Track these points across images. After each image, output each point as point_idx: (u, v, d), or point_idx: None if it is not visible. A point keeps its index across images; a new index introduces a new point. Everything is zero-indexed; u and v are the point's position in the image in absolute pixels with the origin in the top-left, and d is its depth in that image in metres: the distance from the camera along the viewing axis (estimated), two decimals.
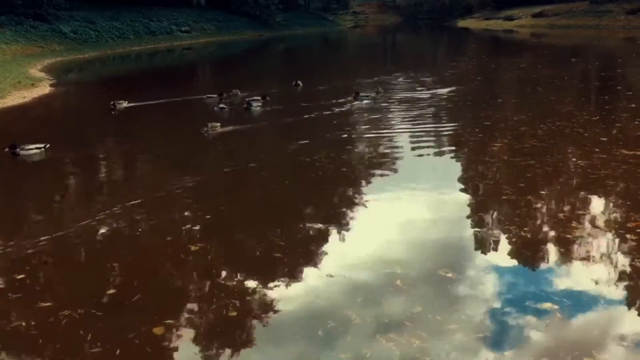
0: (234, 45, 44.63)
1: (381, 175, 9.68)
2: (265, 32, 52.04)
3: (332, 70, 28.62)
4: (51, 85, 20.51)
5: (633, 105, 15.21)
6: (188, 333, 5.10)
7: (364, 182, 9.47)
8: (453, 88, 19.14)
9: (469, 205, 8.13)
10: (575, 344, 4.75)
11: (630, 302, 5.45)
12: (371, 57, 39.09)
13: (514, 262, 6.35)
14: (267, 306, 5.51)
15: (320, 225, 7.43)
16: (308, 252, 6.77)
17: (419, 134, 12.50)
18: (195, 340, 5.03)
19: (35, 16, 32.08)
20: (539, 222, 7.47)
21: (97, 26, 36.03)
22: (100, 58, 32.62)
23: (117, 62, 32.77)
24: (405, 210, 7.98)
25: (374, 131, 13.00)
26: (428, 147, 11.40)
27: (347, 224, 7.60)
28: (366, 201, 8.35)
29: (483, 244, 6.84)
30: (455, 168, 10.01)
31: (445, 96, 17.40)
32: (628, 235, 6.71)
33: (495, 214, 7.82)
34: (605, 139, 11.23)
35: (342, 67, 31.44)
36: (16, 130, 13.47)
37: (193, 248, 6.65)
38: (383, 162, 10.57)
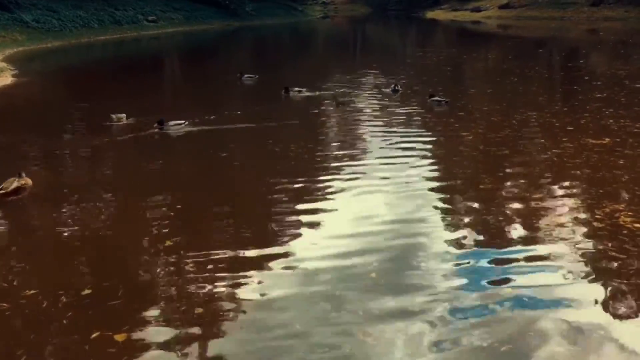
0: (202, 36, 43.96)
1: (351, 166, 9.52)
2: (234, 22, 51.39)
3: (302, 64, 28.41)
4: (13, 76, 19.87)
5: (601, 95, 15.55)
6: None
7: (333, 172, 9.28)
8: (424, 79, 19.24)
9: (441, 194, 8.14)
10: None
11: (592, 285, 5.52)
12: (340, 48, 39.03)
13: (479, 249, 6.36)
14: None
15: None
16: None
17: (390, 126, 12.49)
18: None
19: None
20: (509, 207, 7.53)
21: (60, 15, 34.93)
22: (64, 48, 31.72)
23: (82, 52, 31.94)
24: (375, 203, 7.89)
25: (341, 126, 12.95)
26: (401, 138, 11.35)
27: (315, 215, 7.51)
28: (334, 193, 8.22)
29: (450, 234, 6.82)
30: (431, 158, 10.00)
31: (416, 87, 17.46)
32: (594, 223, 6.84)
33: (468, 201, 7.86)
34: (572, 129, 11.47)
35: (310, 59, 31.27)
36: None
37: None
38: (353, 153, 10.39)
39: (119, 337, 4.77)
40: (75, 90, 19.09)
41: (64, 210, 7.63)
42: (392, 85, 16.63)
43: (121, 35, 37.99)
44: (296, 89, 16.25)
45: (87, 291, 5.49)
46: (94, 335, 4.80)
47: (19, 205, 7.98)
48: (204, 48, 37.46)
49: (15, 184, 8.11)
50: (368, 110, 14.26)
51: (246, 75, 19.02)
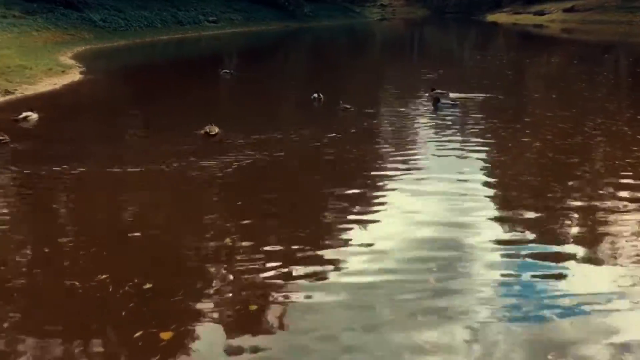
0: (260, 36, 44.52)
1: (409, 169, 9.34)
2: (292, 23, 51.78)
3: (357, 66, 28.29)
4: (81, 73, 20.61)
5: None
6: None
7: (391, 176, 9.13)
8: (486, 82, 18.75)
9: (506, 202, 7.86)
10: None
11: None
12: (397, 51, 38.67)
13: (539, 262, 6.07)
14: None
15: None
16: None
17: (454, 131, 12.20)
18: None
19: (66, 4, 32.30)
20: (576, 218, 7.19)
21: (126, 15, 36.14)
22: (129, 46, 32.75)
23: (145, 51, 32.89)
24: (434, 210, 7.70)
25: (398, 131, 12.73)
26: (463, 144, 11.05)
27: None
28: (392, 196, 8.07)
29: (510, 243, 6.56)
30: (496, 165, 9.70)
31: (479, 93, 16.98)
32: None
33: (534, 211, 7.53)
34: None
35: (366, 61, 31.10)
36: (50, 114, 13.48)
37: None
38: (412, 157, 10.19)
39: (165, 336, 4.84)
40: (137, 89, 19.62)
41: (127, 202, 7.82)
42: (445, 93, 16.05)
43: (183, 35, 38.92)
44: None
45: (148, 285, 5.59)
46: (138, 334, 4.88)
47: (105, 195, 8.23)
48: (262, 49, 37.88)
49: (216, 129, 10.97)
50: (425, 115, 13.99)
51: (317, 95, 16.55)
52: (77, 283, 5.54)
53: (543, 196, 7.99)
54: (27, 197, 8.30)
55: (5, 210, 7.56)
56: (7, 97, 15.38)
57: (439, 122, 13.07)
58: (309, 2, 57.75)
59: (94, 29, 32.76)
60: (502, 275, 5.77)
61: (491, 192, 8.24)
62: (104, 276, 5.62)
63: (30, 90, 16.49)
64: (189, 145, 10.33)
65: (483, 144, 10.95)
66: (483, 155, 10.12)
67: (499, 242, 6.50)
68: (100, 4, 35.18)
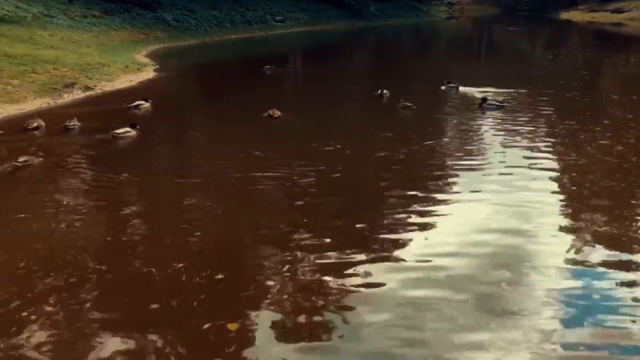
0: (325, 36, 44.70)
1: (475, 170, 9.12)
2: (357, 22, 51.68)
3: (421, 65, 27.86)
4: (155, 70, 21.38)
5: None
6: None
7: (454, 177, 8.97)
8: (561, 82, 18.03)
9: (585, 208, 7.52)
10: None
11: None
12: (464, 50, 37.80)
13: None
14: None
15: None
16: None
17: (525, 132, 11.81)
18: None
19: (142, 4, 33.62)
20: None
21: (197, 15, 37.21)
22: (199, 45, 33.67)
23: (214, 50, 33.73)
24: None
25: (464, 130, 12.43)
26: (538, 146, 10.69)
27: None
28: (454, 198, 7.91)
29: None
30: (574, 169, 9.30)
31: (553, 92, 16.38)
32: None
33: (615, 220, 7.17)
34: None
35: (431, 60, 30.56)
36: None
37: None
38: (477, 160, 9.97)
39: (232, 327, 4.99)
40: (207, 84, 20.17)
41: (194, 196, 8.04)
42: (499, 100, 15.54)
43: (250, 35, 39.65)
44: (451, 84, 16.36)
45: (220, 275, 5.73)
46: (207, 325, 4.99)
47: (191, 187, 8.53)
48: (327, 48, 38.02)
49: (278, 113, 12.68)
50: (491, 115, 13.60)
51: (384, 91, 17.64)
52: (153, 270, 5.76)
53: (626, 202, 7.60)
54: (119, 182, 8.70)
55: (93, 196, 7.97)
56: (88, 93, 16.19)
57: (508, 123, 12.67)
58: (375, 1, 57.48)
59: (166, 29, 33.91)
60: (574, 282, 5.55)
61: (568, 197, 7.91)
62: (179, 265, 5.81)
63: (108, 86, 17.27)
64: (256, 127, 12.05)
65: (558, 147, 10.55)
66: (558, 159, 9.75)
67: (574, 249, 6.24)
68: (173, 4, 36.41)
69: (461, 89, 16.82)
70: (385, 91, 15.98)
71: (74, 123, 11.85)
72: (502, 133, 11.75)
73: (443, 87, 15.26)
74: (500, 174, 8.92)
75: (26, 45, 20.43)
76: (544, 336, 4.71)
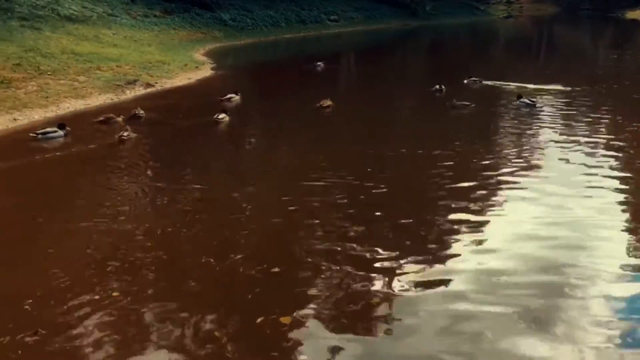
0: (379, 35, 44.50)
1: (531, 170, 8.89)
2: (412, 22, 51.14)
3: (477, 63, 27.33)
4: (212, 69, 21.88)
5: None
6: None
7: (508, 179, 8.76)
8: (627, 83, 17.33)
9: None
10: None
11: None
12: (522, 50, 36.81)
13: None
14: None
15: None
16: None
17: (587, 133, 11.43)
18: None
19: (201, 4, 34.45)
20: None
21: (253, 14, 37.81)
22: (254, 44, 34.20)
23: (269, 49, 34.18)
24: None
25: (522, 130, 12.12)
26: (599, 146, 10.33)
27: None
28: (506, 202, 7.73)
29: None
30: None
31: (618, 92, 15.76)
32: None
33: None
34: None
35: (487, 59, 29.93)
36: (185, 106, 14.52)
37: None
38: (534, 159, 9.72)
39: (285, 320, 5.08)
40: (262, 82, 20.49)
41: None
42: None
43: (305, 34, 39.96)
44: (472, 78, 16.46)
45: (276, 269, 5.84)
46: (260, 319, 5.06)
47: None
48: (381, 46, 37.85)
49: (329, 102, 14.05)
50: (548, 114, 13.25)
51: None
52: (212, 260, 5.93)
53: None
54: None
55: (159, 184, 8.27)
56: (149, 90, 16.75)
57: (568, 123, 12.30)
58: (431, 0, 56.72)
59: (223, 28, 34.61)
60: (634, 291, 5.35)
61: (631, 203, 7.60)
62: (237, 257, 5.96)
63: (168, 83, 17.82)
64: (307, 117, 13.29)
65: (623, 150, 10.15)
66: (621, 162, 9.38)
67: (634, 257, 6.02)
68: (231, 4, 37.14)
69: (485, 82, 17.55)
70: (442, 87, 16.34)
71: (142, 112, 13.27)
72: (562, 133, 11.43)
73: (465, 82, 15.84)
74: (559, 176, 8.68)
75: (91, 44, 21.32)
76: (598, 354, 4.56)
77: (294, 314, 5.12)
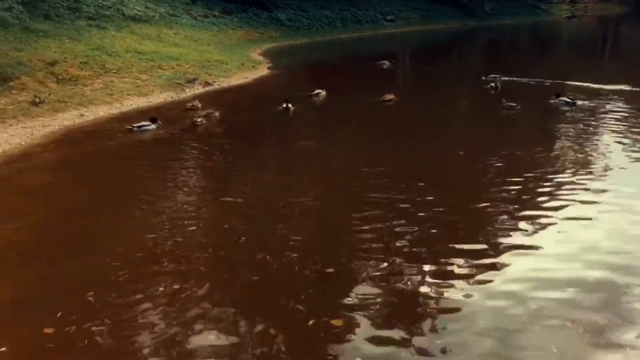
0: (435, 35, 43.85)
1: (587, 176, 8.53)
2: (471, 22, 50.14)
3: (535, 64, 26.50)
4: (268, 68, 22.13)
5: None
6: None
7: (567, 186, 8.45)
8: None
9: None
10: None
11: None
12: (585, 51, 35.42)
13: None
14: None
15: None
16: None
17: None
18: None
19: (258, 5, 34.95)
20: None
21: (309, 15, 38.05)
22: (309, 44, 34.38)
23: (324, 49, 34.26)
24: None
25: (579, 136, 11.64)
26: None
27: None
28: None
29: None
30: None
31: None
32: None
33: None
34: None
35: (546, 60, 28.95)
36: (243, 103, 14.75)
37: None
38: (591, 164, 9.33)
39: (336, 323, 5.06)
40: (317, 81, 20.48)
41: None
42: None
43: (360, 34, 39.86)
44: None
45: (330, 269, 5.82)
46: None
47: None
48: (437, 46, 37.31)
49: (391, 96, 15.09)
50: (614, 117, 12.69)
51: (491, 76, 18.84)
52: (268, 257, 5.97)
53: None
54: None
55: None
56: (207, 88, 17.11)
57: (629, 127, 11.71)
58: (491, 0, 55.46)
59: (280, 28, 34.99)
60: None
61: None
62: (293, 255, 5.98)
63: (225, 82, 18.15)
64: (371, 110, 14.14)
65: None
66: None
67: None
68: (287, 5, 37.51)
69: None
70: (497, 84, 16.72)
71: (196, 104, 14.24)
72: (625, 136, 10.88)
73: (552, 101, 14.67)
74: (618, 184, 8.27)
75: (154, 43, 21.97)
76: None
77: (346, 316, 5.08)
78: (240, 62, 21.85)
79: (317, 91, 16.17)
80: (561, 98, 14.10)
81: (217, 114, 13.57)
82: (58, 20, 20.54)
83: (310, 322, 5.00)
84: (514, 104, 13.69)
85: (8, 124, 11.48)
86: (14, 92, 13.42)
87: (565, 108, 13.62)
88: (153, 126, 12.10)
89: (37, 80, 14.36)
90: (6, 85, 13.55)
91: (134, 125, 11.99)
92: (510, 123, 12.81)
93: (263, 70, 21.38)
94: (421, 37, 42.06)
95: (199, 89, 16.86)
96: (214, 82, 17.87)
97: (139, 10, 26.14)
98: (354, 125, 12.98)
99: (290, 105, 14.09)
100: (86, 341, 4.82)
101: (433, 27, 46.70)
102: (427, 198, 7.83)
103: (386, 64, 23.07)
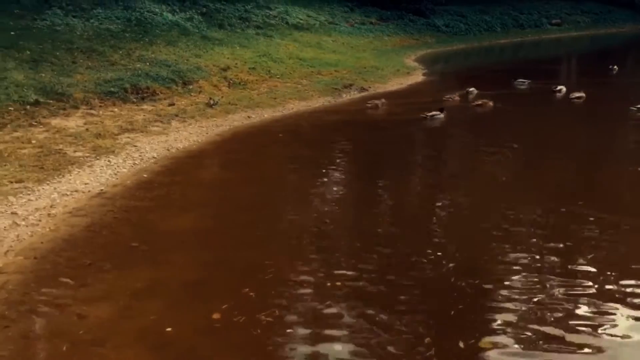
0: (607, 39, 40.29)
1: None
2: None
3: None
4: (423, 74, 22.03)
5: None
6: None
7: None
8: None
9: None
10: None
11: None
12: None
13: None
14: None
15: None
16: None
17: None
18: None
19: (415, 11, 34.95)
20: None
21: (467, 19, 37.19)
22: (465, 50, 33.52)
23: (481, 54, 33.21)
24: None
25: None
26: None
27: None
28: None
29: None
30: None
31: None
32: None
33: None
34: None
35: None
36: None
37: None
38: None
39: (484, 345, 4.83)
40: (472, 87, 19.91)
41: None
42: None
43: (521, 39, 38.01)
44: None
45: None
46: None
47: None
48: (609, 52, 34.23)
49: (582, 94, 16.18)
50: None
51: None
52: (424, 263, 6.02)
53: None
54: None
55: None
56: (363, 94, 17.53)
57: None
58: None
59: (436, 34, 34.62)
60: None
61: None
62: (450, 265, 5.96)
63: (380, 88, 18.43)
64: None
65: None
66: None
67: None
68: (445, 10, 37.04)
69: None
70: None
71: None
72: None
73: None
74: None
75: (314, 50, 23.03)
76: None
77: (495, 340, 4.88)
78: (395, 68, 22.04)
79: (482, 101, 15.63)
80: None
81: (491, 103, 15.12)
82: (230, 29, 22.46)
83: (460, 343, 4.83)
84: None
85: (187, 123, 12.79)
86: (192, 94, 14.94)
87: None
88: (441, 115, 13.80)
89: (212, 84, 15.84)
90: (187, 88, 15.13)
91: (427, 114, 13.70)
92: None
93: (418, 77, 21.35)
94: (591, 42, 38.95)
95: (354, 95, 17.33)
96: (370, 87, 18.25)
97: (301, 19, 27.56)
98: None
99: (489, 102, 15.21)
100: (259, 330, 5.08)
101: (605, 31, 43.00)
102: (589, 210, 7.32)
103: (525, 83, 19.40)
